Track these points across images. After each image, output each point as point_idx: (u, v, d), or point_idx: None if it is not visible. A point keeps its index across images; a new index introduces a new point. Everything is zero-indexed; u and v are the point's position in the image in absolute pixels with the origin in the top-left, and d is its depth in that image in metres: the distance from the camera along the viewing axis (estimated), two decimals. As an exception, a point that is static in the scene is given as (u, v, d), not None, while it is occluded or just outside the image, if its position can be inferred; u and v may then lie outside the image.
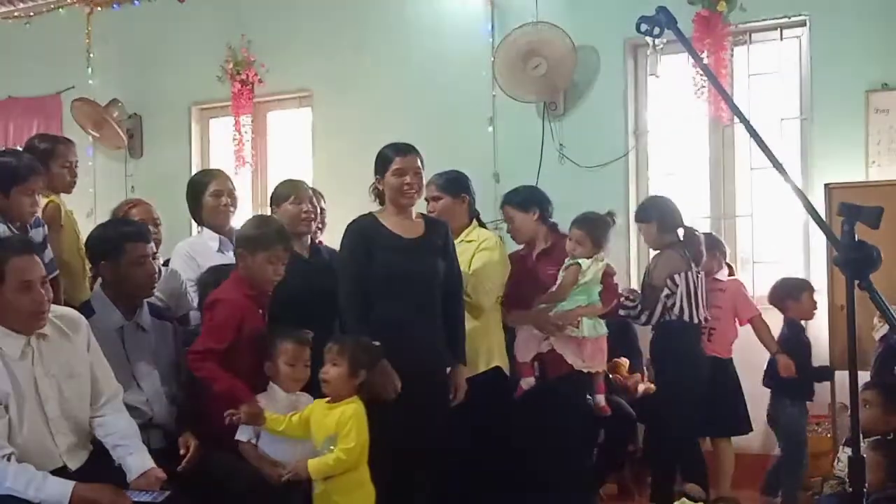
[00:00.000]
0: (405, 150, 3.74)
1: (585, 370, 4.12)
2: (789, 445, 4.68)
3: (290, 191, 3.98)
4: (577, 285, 4.08)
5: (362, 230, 3.72)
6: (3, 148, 6.69)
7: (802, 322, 4.78)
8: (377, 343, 3.39)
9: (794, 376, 4.61)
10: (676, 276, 4.34)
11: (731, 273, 5.00)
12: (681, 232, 4.50)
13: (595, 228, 4.11)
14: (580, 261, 4.07)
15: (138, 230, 3.56)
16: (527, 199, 4.29)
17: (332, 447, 3.24)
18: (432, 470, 3.76)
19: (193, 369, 3.42)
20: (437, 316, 3.74)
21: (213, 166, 6.96)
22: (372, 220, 3.75)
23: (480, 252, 4.01)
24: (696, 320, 4.37)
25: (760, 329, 4.76)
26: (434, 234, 3.77)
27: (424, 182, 3.86)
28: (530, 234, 4.28)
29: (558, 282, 4.11)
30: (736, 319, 4.83)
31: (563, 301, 4.08)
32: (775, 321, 4.83)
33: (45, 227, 3.62)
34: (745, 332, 4.84)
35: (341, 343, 3.35)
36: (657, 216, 4.51)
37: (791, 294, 4.74)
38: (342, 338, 3.41)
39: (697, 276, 4.39)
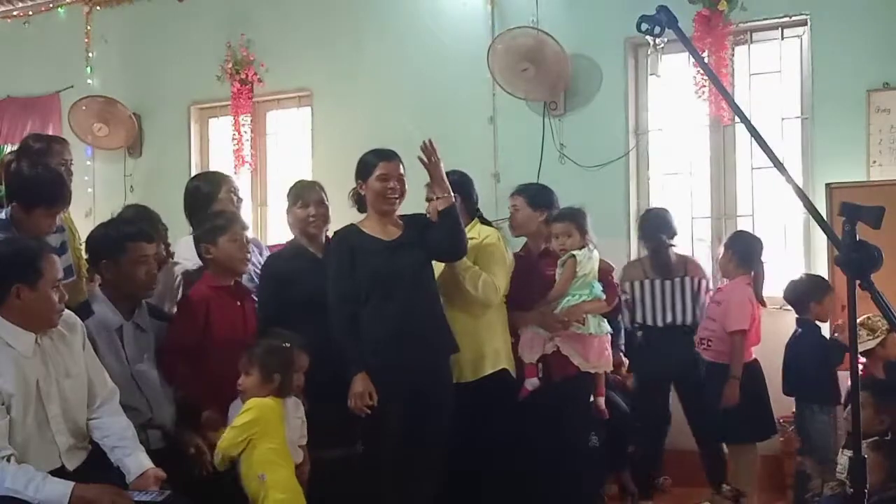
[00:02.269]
0: (388, 155, 3.75)
1: (591, 370, 4.11)
2: (821, 456, 4.39)
3: (298, 194, 4.06)
4: (576, 278, 4.08)
5: (345, 238, 3.77)
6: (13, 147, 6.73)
7: (818, 324, 4.56)
8: (287, 344, 3.41)
9: (734, 405, 4.44)
10: (627, 284, 4.72)
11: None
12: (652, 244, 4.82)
13: (576, 219, 4.14)
14: (574, 252, 4.07)
15: (140, 230, 3.58)
16: (540, 199, 4.28)
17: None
18: (435, 468, 3.75)
19: (158, 365, 3.49)
20: (429, 311, 3.76)
21: (212, 166, 6.99)
22: (353, 228, 3.80)
23: (483, 248, 4.02)
24: (650, 322, 4.70)
25: (735, 347, 4.48)
26: (411, 230, 3.78)
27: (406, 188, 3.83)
28: (531, 231, 4.27)
29: (558, 279, 4.10)
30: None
31: (567, 297, 4.06)
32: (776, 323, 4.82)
33: (66, 231, 3.63)
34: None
35: (251, 352, 3.37)
36: (641, 231, 4.93)
37: (815, 295, 4.53)
38: (252, 347, 3.41)
39: (659, 284, 4.68)
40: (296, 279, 3.88)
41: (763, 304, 4.62)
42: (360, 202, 3.84)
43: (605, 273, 4.25)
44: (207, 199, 4.13)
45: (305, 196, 4.04)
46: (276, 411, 3.33)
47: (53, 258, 3.03)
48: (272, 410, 3.31)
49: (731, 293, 4.61)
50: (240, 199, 4.31)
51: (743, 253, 4.63)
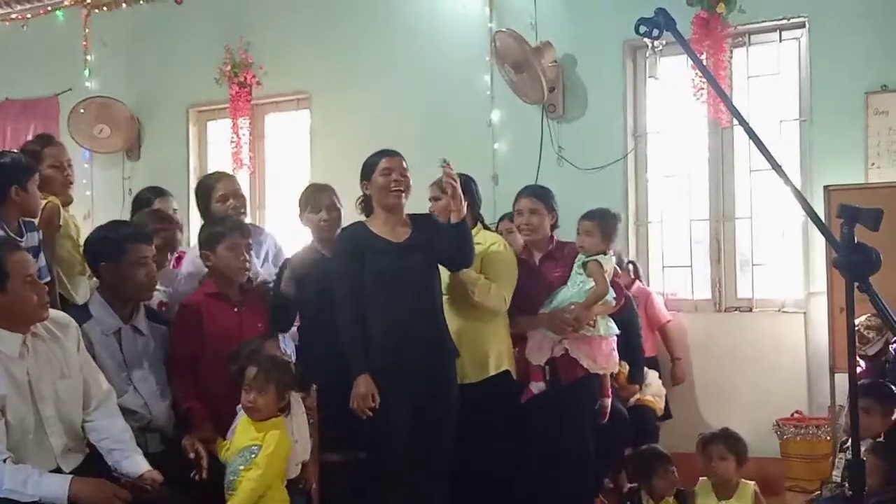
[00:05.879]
0: (390, 152, 3.77)
1: (600, 372, 4.10)
2: None
3: (309, 199, 4.07)
4: (585, 282, 4.06)
5: (353, 237, 3.76)
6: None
7: None
8: (292, 359, 3.42)
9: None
10: None
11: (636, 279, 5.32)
12: None
13: (604, 221, 4.10)
14: (598, 258, 4.04)
15: (139, 231, 3.58)
16: (552, 202, 4.21)
17: (247, 461, 3.19)
18: (441, 472, 3.76)
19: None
20: (436, 313, 3.75)
21: (210, 169, 6.97)
22: (361, 226, 3.79)
23: (489, 255, 4.00)
24: None
25: (669, 336, 5.10)
26: (419, 231, 3.77)
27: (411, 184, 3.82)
28: (543, 234, 4.21)
29: (590, 281, 4.04)
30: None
31: (604, 296, 4.02)
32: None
33: (41, 232, 3.61)
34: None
35: (264, 370, 3.22)
36: None
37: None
38: (260, 362, 3.25)
39: None
40: (307, 283, 3.87)
41: None
42: (367, 206, 3.83)
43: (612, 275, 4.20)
44: (206, 198, 4.18)
45: (316, 201, 4.03)
46: (287, 438, 3.28)
47: (20, 254, 2.96)
48: (286, 441, 3.26)
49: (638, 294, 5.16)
50: (240, 202, 4.20)
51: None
